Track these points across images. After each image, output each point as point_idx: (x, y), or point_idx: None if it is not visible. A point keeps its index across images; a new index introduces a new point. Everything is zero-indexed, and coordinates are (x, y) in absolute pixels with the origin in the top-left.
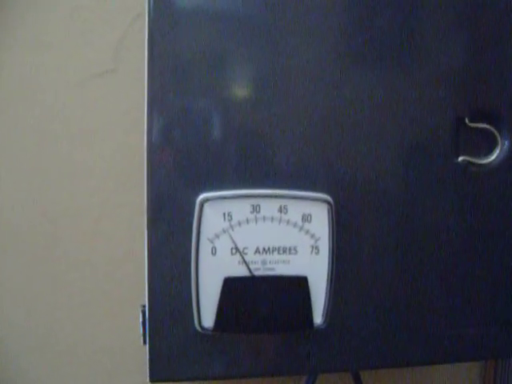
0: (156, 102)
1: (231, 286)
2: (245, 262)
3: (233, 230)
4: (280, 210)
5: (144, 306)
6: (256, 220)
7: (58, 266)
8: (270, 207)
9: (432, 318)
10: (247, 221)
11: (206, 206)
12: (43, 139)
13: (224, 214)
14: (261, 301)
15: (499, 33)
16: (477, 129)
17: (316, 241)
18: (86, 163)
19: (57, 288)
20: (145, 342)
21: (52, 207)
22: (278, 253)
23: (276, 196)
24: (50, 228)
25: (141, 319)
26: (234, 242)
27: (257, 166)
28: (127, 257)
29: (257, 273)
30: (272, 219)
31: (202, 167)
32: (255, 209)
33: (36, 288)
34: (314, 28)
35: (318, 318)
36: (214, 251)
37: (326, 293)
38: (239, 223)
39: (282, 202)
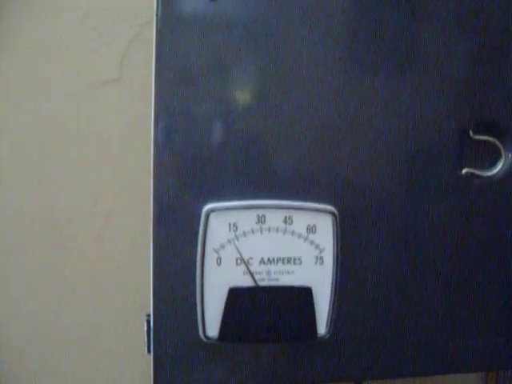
0: (163, 110)
1: (236, 296)
2: (250, 272)
3: (238, 240)
4: (285, 221)
5: (149, 315)
6: (261, 230)
7: (62, 273)
8: (275, 218)
9: (436, 328)
10: (252, 231)
11: (212, 217)
12: (48, 146)
13: (229, 225)
14: (265, 311)
15: (504, 44)
16: (481, 141)
17: (320, 251)
18: (91, 171)
19: (61, 295)
20: (149, 351)
21: (57, 214)
22: (283, 263)
23: (281, 207)
24: (55, 235)
25: (145, 328)
26: (239, 252)
27: (262, 177)
28: (131, 265)
29: (261, 283)
30: (277, 230)
31: (208, 177)
32: (260, 219)
33: (40, 295)
34: (319, 36)
35: (321, 329)
36: (219, 261)
37: (330, 303)
38: (244, 234)
39: (287, 212)
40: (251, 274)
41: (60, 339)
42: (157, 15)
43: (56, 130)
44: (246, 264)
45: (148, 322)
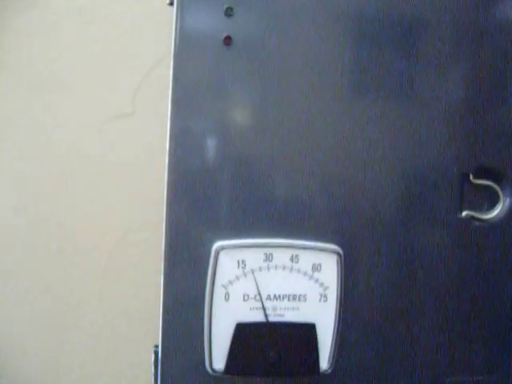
0: (177, 144)
1: (243, 331)
2: (263, 307)
3: (246, 277)
4: (292, 259)
5: (156, 346)
6: (268, 268)
7: (68, 303)
8: (282, 256)
9: (435, 364)
10: (260, 269)
11: (222, 254)
12: (60, 179)
13: (238, 262)
14: (270, 346)
15: (504, 92)
16: (480, 185)
17: (325, 289)
18: (101, 203)
19: (67, 324)
20: (156, 382)
21: (66, 244)
22: (288, 300)
23: (288, 246)
24: (63, 263)
25: (153, 359)
26: (256, 285)
27: (270, 216)
28: (137, 296)
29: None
30: (284, 268)
31: (219, 215)
32: (268, 257)
33: (46, 323)
34: (323, 65)
35: (324, 364)
36: (227, 297)
37: (333, 339)
38: (252, 271)
39: (294, 251)
40: (264, 310)
41: (65, 367)
42: (175, 46)
43: (68, 163)
44: (261, 298)
45: (156, 353)
